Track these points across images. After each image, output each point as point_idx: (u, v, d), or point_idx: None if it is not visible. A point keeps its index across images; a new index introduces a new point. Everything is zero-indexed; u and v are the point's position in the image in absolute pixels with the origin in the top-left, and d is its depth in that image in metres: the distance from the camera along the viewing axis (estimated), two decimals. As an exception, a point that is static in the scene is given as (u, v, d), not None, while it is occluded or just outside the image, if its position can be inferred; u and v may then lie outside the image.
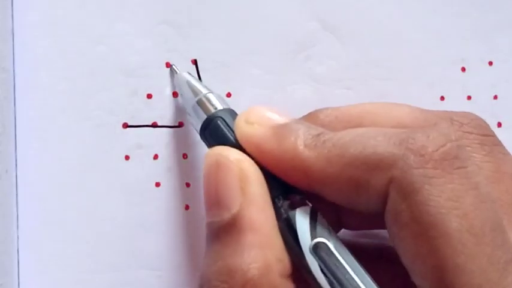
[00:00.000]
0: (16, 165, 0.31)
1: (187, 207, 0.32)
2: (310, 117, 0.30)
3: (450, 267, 0.22)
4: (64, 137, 0.31)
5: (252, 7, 0.33)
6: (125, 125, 0.32)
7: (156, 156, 0.32)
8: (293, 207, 0.26)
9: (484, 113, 0.35)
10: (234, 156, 0.26)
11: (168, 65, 0.32)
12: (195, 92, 0.30)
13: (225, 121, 0.28)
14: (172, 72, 0.32)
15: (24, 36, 0.31)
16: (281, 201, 0.26)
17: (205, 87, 0.30)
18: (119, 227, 0.32)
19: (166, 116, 0.32)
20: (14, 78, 0.31)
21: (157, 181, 0.32)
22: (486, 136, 0.28)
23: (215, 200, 0.26)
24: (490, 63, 0.35)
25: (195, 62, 0.33)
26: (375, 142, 0.24)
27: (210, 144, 0.28)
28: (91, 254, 0.31)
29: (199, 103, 0.29)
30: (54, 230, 0.31)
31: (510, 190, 0.26)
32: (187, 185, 0.32)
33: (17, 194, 0.31)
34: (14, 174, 0.31)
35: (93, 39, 0.32)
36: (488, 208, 0.24)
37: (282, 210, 0.26)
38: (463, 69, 0.35)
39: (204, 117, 0.29)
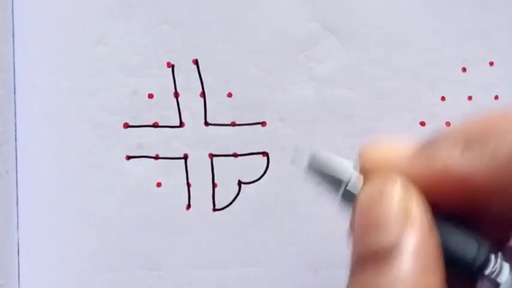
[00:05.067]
0: (16, 165, 0.31)
1: (187, 207, 0.32)
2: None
3: None
4: (64, 137, 0.31)
5: (253, 7, 0.33)
6: (126, 125, 0.32)
7: (157, 156, 0.32)
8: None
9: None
10: (400, 179, 0.21)
11: (169, 64, 0.32)
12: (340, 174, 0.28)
13: None
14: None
15: (24, 36, 0.31)
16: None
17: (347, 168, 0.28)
18: (119, 227, 0.32)
19: (167, 116, 0.32)
20: (14, 78, 0.31)
21: (158, 181, 0.32)
22: None
23: (373, 223, 0.21)
24: (491, 63, 0.35)
25: (195, 62, 0.33)
26: None
27: None
28: (91, 254, 0.31)
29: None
30: (54, 230, 0.31)
31: None
32: (188, 185, 0.32)
33: (17, 194, 0.31)
34: (14, 174, 0.31)
35: (93, 39, 0.32)
36: None
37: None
38: (464, 70, 0.35)
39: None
